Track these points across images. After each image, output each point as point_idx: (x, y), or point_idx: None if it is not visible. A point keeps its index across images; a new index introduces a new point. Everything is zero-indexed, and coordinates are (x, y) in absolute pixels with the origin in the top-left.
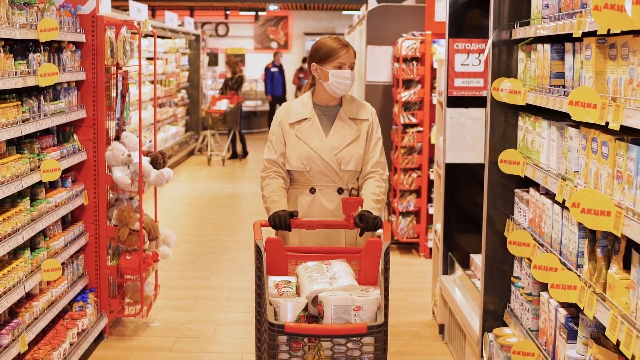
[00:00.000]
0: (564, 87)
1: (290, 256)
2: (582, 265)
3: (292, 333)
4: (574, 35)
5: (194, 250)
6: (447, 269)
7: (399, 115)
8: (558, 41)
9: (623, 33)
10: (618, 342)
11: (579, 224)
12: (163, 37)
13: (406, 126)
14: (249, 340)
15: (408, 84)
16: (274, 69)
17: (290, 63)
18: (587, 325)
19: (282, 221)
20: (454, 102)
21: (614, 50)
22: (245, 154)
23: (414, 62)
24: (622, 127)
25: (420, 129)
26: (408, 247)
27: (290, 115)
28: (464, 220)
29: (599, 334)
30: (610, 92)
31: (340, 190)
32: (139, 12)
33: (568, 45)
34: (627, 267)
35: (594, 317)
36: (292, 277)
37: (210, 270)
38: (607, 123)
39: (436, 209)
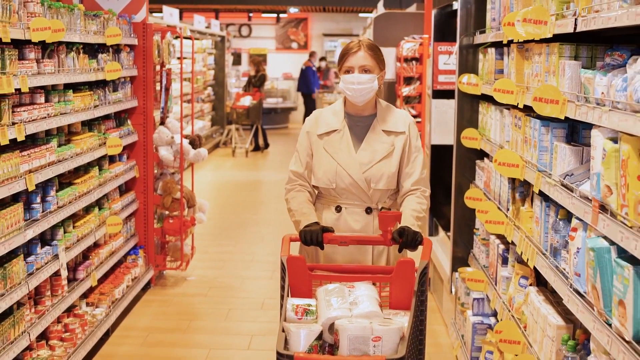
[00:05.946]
0: None
1: (314, 276)
2: (509, 208)
3: None
4: (504, 42)
5: (221, 225)
6: (433, 232)
7: (401, 108)
8: (503, 46)
9: (528, 41)
10: (521, 253)
11: (508, 178)
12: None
13: None
14: (270, 290)
15: (409, 80)
16: (313, 68)
17: None
18: (514, 253)
19: (314, 237)
20: (438, 94)
21: (528, 53)
22: (266, 146)
23: (414, 62)
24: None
25: (419, 120)
26: None
27: (319, 126)
28: (449, 192)
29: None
30: (525, 82)
31: (368, 210)
32: (171, 16)
33: (505, 49)
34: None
35: (512, 241)
36: (314, 300)
37: (236, 239)
38: (518, 104)
39: None
